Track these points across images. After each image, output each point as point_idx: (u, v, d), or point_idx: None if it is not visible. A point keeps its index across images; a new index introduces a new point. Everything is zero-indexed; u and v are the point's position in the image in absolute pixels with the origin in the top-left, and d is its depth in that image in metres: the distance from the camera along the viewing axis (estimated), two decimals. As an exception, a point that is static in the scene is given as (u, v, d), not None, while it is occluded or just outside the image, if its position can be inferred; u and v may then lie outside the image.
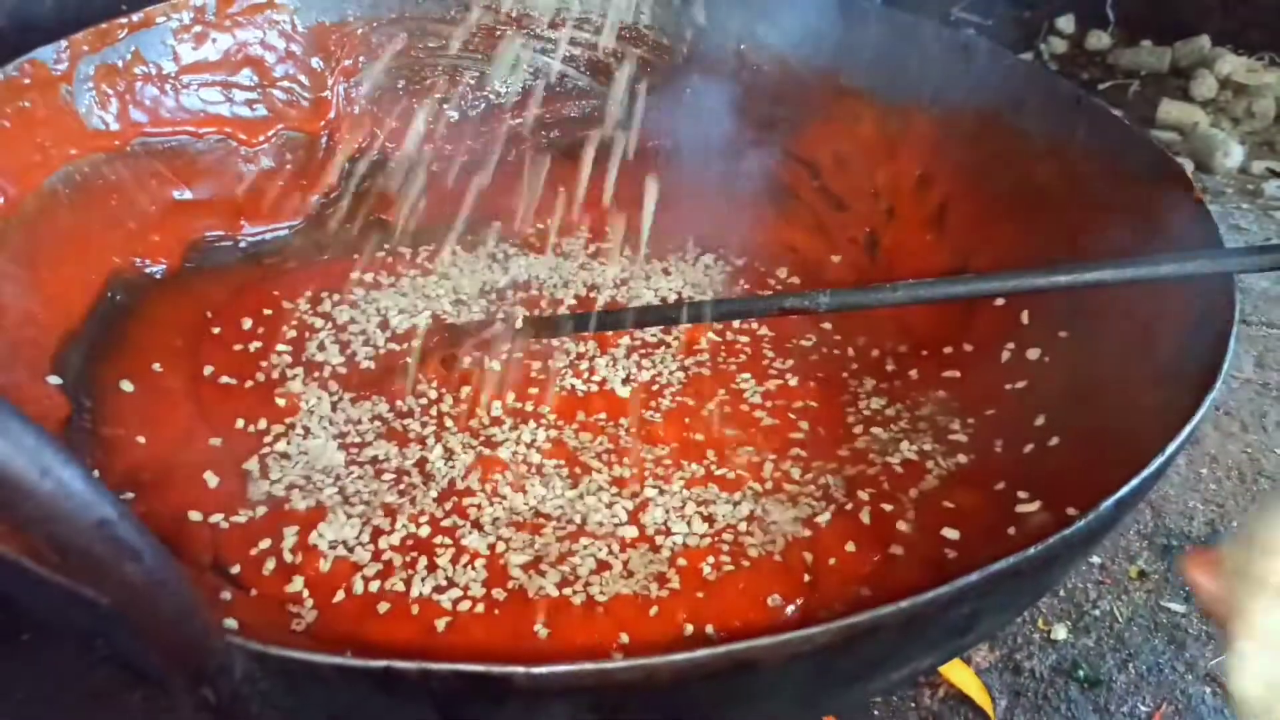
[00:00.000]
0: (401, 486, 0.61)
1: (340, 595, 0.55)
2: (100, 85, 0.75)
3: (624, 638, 0.52)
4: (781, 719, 0.43)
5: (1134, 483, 0.43)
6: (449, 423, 0.66)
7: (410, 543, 0.58)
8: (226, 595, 0.55)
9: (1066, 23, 1.56)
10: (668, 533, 0.59)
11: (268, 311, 0.76)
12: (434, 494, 0.61)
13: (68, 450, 0.26)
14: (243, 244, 0.83)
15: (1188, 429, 0.46)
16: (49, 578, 0.35)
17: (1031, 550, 0.39)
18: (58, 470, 0.25)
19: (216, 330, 0.74)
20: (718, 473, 0.63)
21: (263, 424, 0.65)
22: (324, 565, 0.56)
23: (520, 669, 0.33)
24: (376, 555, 0.57)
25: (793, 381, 0.71)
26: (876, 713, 0.58)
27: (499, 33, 0.95)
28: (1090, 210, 0.70)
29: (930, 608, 0.37)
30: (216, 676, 0.32)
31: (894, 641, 0.38)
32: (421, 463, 0.63)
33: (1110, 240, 0.67)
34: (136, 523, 0.27)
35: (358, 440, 0.65)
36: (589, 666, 0.34)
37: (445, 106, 0.94)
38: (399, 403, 0.68)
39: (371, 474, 0.62)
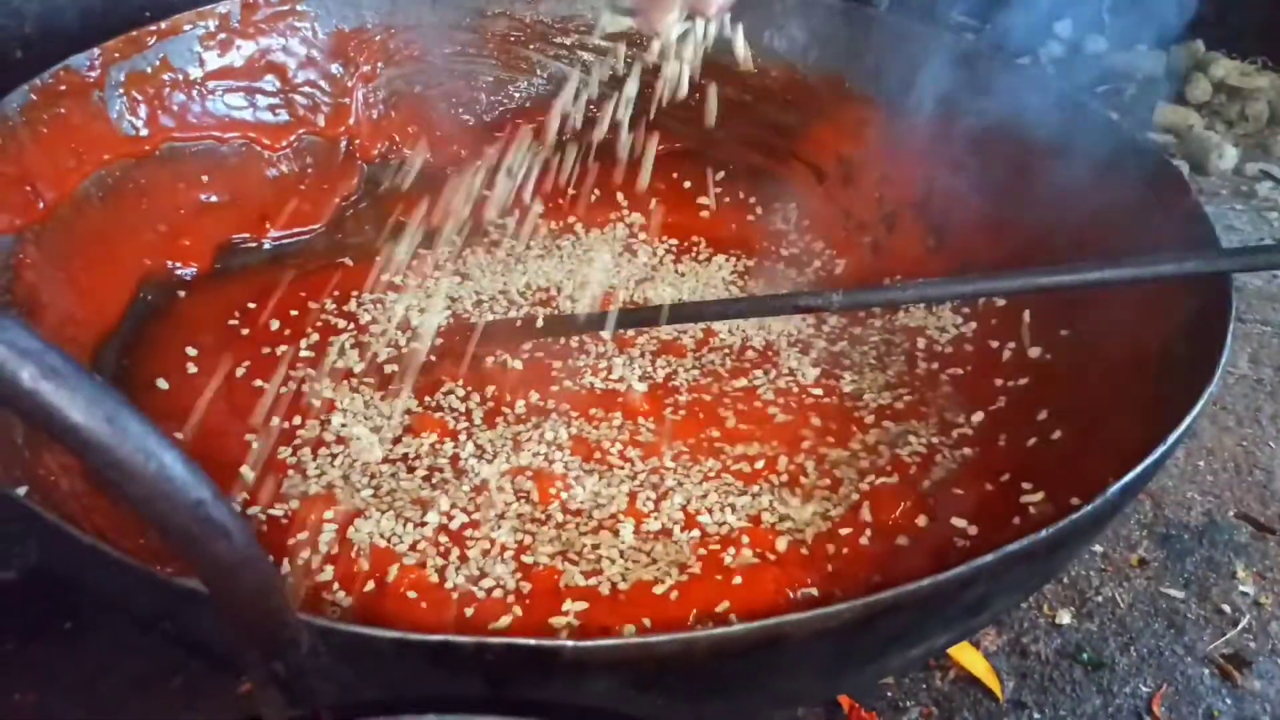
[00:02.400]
0: (434, 481, 0.64)
1: (370, 585, 0.57)
2: (130, 91, 0.77)
3: (647, 623, 0.55)
4: (804, 693, 0.45)
5: (1138, 469, 0.45)
6: (476, 419, 0.69)
7: (442, 535, 0.60)
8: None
9: (1064, 28, 1.58)
10: (688, 525, 0.61)
11: (294, 313, 0.79)
12: (466, 488, 0.63)
13: (168, 437, 0.28)
14: (268, 246, 0.85)
15: (1188, 419, 0.48)
16: (128, 562, 0.38)
17: (1043, 533, 0.42)
18: (160, 454, 0.28)
19: (245, 331, 0.76)
20: (734, 467, 0.66)
21: (297, 420, 0.68)
22: (358, 556, 0.59)
23: (568, 643, 0.36)
24: (411, 547, 0.59)
25: (804, 378, 0.74)
26: (890, 694, 0.60)
27: (513, 39, 0.97)
28: (1091, 212, 0.73)
29: (947, 587, 0.39)
30: (287, 650, 0.35)
31: (912, 619, 0.40)
32: (454, 459, 0.65)
33: (1111, 241, 0.69)
34: (228, 504, 0.30)
35: (389, 437, 0.67)
36: (633, 640, 0.36)
37: (461, 111, 0.96)
38: (427, 399, 0.70)
39: (404, 470, 0.64)
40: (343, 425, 0.68)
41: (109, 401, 0.27)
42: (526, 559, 0.59)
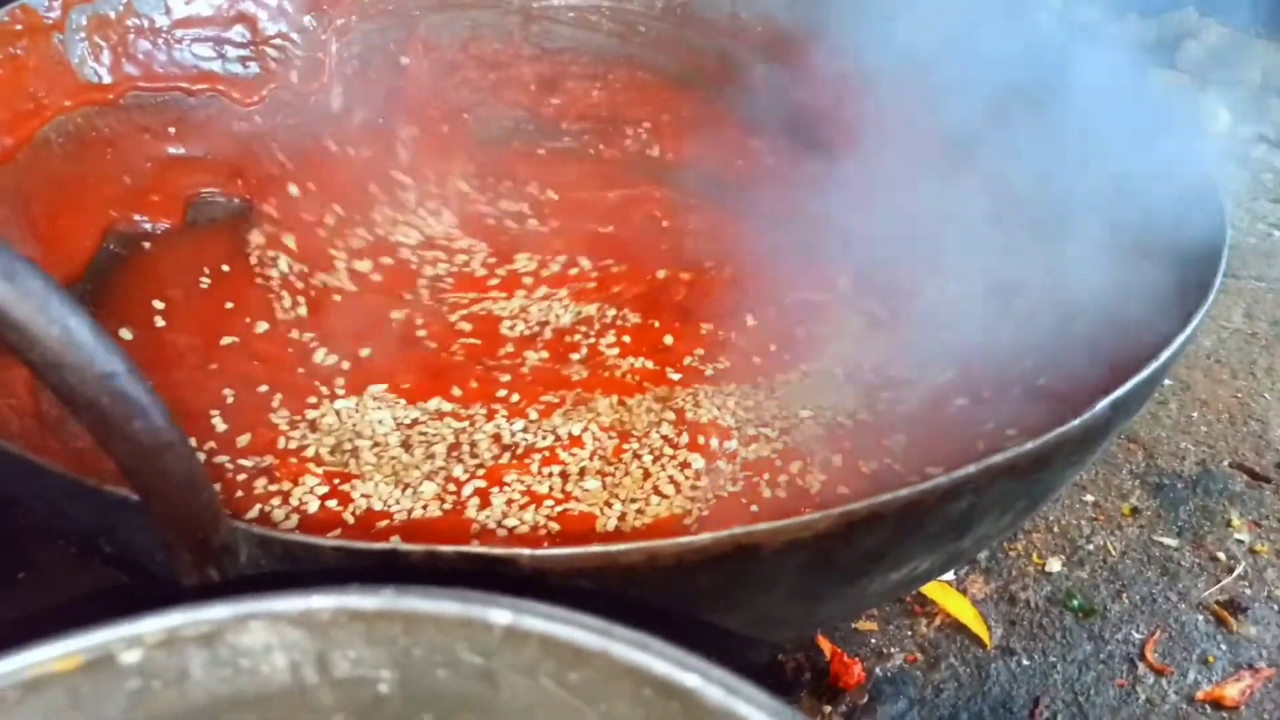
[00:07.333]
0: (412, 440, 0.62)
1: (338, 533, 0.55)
2: (93, 36, 0.75)
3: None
4: (781, 617, 0.43)
5: (1128, 386, 0.43)
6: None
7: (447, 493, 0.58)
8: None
9: (1055, -3, 1.56)
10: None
11: (264, 268, 0.76)
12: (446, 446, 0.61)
13: (75, 301, 0.26)
14: (237, 201, 0.83)
15: (1182, 337, 0.46)
16: (58, 471, 0.35)
17: (1028, 445, 0.40)
18: (65, 318, 0.26)
19: (215, 286, 0.74)
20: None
21: (269, 375, 0.66)
22: (328, 505, 0.57)
23: (525, 551, 0.34)
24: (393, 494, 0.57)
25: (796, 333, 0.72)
26: (874, 641, 0.58)
27: (491, -7, 0.95)
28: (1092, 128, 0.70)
29: (927, 497, 0.37)
30: (222, 557, 0.33)
31: (891, 533, 0.38)
32: (440, 414, 0.64)
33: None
34: (143, 380, 0.27)
35: (356, 386, 0.65)
36: (594, 549, 0.34)
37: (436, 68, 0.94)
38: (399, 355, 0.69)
39: (383, 421, 0.63)
40: (316, 384, 0.66)
41: (6, 257, 0.24)
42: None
